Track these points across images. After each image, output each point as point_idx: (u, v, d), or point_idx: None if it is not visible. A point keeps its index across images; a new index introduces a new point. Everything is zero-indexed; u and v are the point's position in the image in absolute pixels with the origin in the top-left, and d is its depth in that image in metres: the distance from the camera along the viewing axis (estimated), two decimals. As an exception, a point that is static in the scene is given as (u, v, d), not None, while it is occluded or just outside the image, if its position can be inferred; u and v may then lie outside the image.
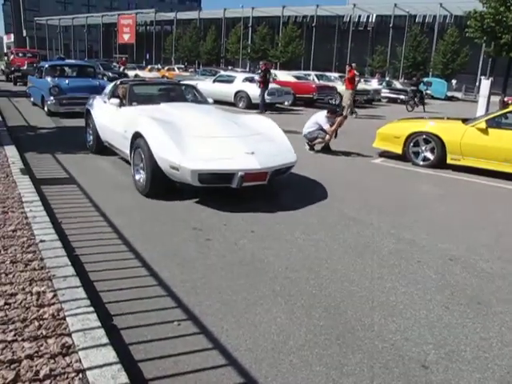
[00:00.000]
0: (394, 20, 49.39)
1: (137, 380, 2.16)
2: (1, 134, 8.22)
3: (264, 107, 15.43)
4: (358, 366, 2.41)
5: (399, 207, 5.41)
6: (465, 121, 7.78)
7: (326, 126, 8.36)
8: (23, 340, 2.30)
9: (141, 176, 5.28)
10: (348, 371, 2.37)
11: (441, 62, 39.97)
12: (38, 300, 2.67)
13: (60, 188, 5.32)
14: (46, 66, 13.52)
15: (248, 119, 6.29)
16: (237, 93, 17.06)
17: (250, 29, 55.89)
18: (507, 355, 2.56)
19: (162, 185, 5.12)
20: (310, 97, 18.86)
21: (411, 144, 8.00)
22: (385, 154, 8.60)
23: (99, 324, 2.45)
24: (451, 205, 5.67)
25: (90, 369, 2.10)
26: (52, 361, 2.15)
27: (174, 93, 7.60)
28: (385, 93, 26.28)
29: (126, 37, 64.72)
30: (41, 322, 2.45)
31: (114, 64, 35.71)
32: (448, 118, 9.14)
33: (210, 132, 5.27)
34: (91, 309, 2.59)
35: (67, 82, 12.24)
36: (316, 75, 23.19)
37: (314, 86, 19.42)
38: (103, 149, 7.11)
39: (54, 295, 2.72)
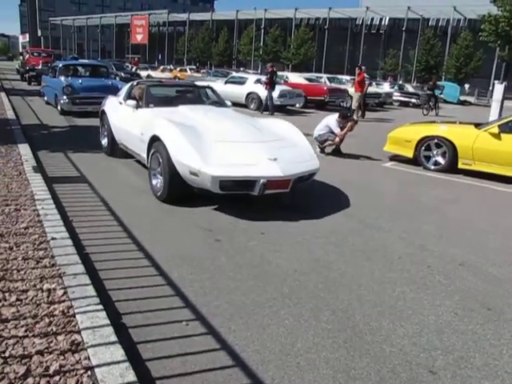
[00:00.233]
0: (407, 23, 49.10)
1: (144, 379, 2.18)
2: (15, 133, 8.33)
3: (274, 109, 15.47)
4: (366, 369, 2.41)
5: (409, 211, 5.38)
6: (477, 125, 7.72)
7: (337, 130, 8.35)
8: (34, 336, 2.33)
9: (158, 181, 5.13)
10: (355, 375, 2.36)
11: (454, 66, 39.68)
12: (48, 297, 2.70)
13: (72, 186, 5.37)
14: (60, 65, 13.67)
15: (268, 123, 6.10)
16: (248, 94, 17.10)
17: (263, 30, 55.92)
18: (517, 363, 2.54)
19: (180, 190, 4.95)
20: (321, 99, 18.83)
21: (422, 148, 7.95)
22: (395, 158, 8.56)
23: (108, 322, 2.47)
24: (462, 210, 5.63)
25: (98, 366, 2.12)
26: (62, 357, 2.18)
27: (192, 95, 7.47)
28: (396, 96, 26.17)
29: (139, 37, 65.14)
30: (51, 319, 2.48)
31: (127, 64, 35.94)
32: (460, 123, 9.08)
33: (231, 137, 5.10)
34: (100, 307, 2.61)
35: (80, 81, 12.37)
36: (328, 78, 23.18)
37: (325, 88, 19.38)
38: (118, 151, 6.98)
39: (65, 292, 2.75)
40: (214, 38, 58.82)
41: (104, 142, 7.44)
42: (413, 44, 45.06)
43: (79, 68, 15.05)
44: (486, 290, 3.40)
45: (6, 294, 2.70)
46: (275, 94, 15.90)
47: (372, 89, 23.11)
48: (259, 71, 43.40)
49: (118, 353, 2.22)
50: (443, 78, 40.36)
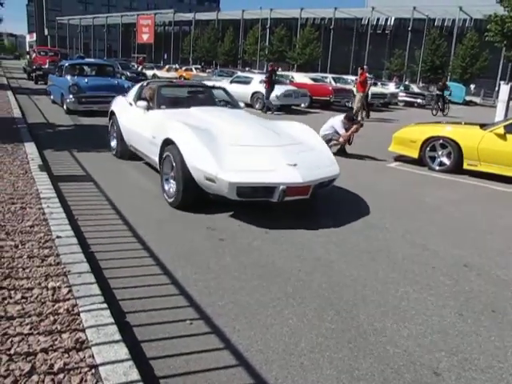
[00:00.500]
0: (413, 23, 48.95)
1: (148, 377, 2.19)
2: (21, 131, 8.37)
3: (273, 108, 15.60)
4: (369, 370, 2.41)
5: (414, 212, 5.37)
6: (482, 126, 7.69)
7: (342, 131, 8.35)
8: (39, 334, 2.34)
9: (171, 186, 4.92)
10: (359, 375, 2.36)
11: (459, 66, 39.54)
12: (53, 295, 2.71)
13: (77, 185, 5.39)
14: (66, 64, 13.74)
15: (284, 126, 5.88)
16: (253, 94, 17.11)
17: (268, 30, 55.93)
18: (521, 365, 2.53)
19: (195, 196, 4.75)
20: (326, 99, 18.83)
21: (427, 148, 7.93)
22: (400, 158, 8.53)
23: (112, 320, 2.48)
24: (467, 210, 5.60)
25: (102, 364, 2.13)
26: (66, 355, 2.19)
27: (204, 95, 7.28)
28: (402, 96, 26.11)
29: (145, 37, 65.28)
30: (56, 317, 2.49)
31: (133, 63, 36.04)
32: (465, 123, 9.04)
33: (247, 140, 4.91)
34: (105, 305, 2.63)
35: (86, 80, 12.41)
36: (333, 78, 23.14)
37: (330, 88, 19.37)
38: (128, 153, 6.78)
39: (69, 291, 2.76)
40: (220, 37, 58.88)
41: (113, 143, 7.24)
42: (418, 44, 44.92)
43: (85, 67, 15.08)
44: (490, 292, 3.38)
45: (12, 292, 2.72)
46: (274, 93, 16.00)
47: (377, 89, 23.10)
48: (265, 71, 43.31)
49: (122, 351, 2.23)
50: (449, 78, 40.22)
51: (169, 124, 5.13)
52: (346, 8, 54.08)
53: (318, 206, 5.30)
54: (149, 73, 31.81)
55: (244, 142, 4.85)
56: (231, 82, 18.30)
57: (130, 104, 6.72)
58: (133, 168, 6.56)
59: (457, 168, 7.58)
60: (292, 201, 4.56)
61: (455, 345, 2.68)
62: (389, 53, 49.46)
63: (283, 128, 5.70)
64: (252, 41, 54.70)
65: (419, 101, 26.08)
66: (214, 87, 7.97)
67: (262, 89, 16.78)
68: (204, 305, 2.92)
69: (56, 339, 2.30)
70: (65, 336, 2.33)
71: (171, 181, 4.92)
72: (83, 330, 2.39)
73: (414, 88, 28.96)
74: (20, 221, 3.86)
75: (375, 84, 26.07)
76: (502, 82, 18.23)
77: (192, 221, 4.51)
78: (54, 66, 16.55)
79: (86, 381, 2.03)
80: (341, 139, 8.38)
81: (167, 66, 38.85)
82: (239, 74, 21.59)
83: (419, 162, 8.07)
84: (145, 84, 7.03)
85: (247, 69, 40.25)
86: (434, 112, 19.95)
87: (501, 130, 7.17)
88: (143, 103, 6.07)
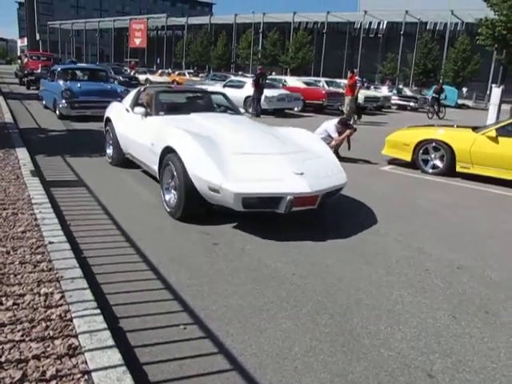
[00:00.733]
0: (405, 27, 49.28)
1: (142, 383, 2.17)
2: (13, 136, 8.32)
3: (259, 111, 15.81)
4: (363, 373, 2.40)
5: (407, 215, 5.39)
6: (475, 129, 7.74)
7: (335, 135, 8.37)
8: (31, 340, 2.32)
9: (171, 196, 4.73)
10: (353, 379, 2.36)
11: (451, 70, 39.82)
12: (45, 301, 2.69)
13: (69, 190, 5.37)
14: (59, 69, 13.68)
15: (287, 132, 5.67)
16: (247, 98, 17.13)
17: (261, 34, 56.09)
18: (514, 366, 2.54)
19: (197, 207, 4.55)
20: (319, 103, 18.91)
21: (420, 151, 7.97)
22: (394, 162, 8.57)
23: (105, 326, 2.47)
24: (460, 213, 5.63)
25: (95, 370, 2.11)
26: (58, 361, 2.17)
27: (203, 101, 7.06)
28: (395, 100, 26.27)
29: (138, 41, 65.25)
30: (48, 323, 2.47)
31: (125, 68, 36.00)
32: (458, 126, 9.10)
33: (251, 148, 4.72)
34: (98, 311, 2.61)
35: (79, 85, 12.33)
36: (326, 81, 23.23)
37: (323, 92, 19.46)
38: (125, 161, 6.59)
39: (62, 296, 2.74)
40: (213, 41, 58.95)
41: (109, 151, 7.02)
42: (411, 48, 45.22)
43: (78, 72, 15.02)
44: (483, 294, 3.40)
45: (3, 299, 2.69)
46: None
47: (370, 92, 23.24)
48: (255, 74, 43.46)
49: (116, 357, 2.22)
50: (441, 81, 40.50)
51: (169, 131, 4.93)
52: (338, 12, 54.33)
53: (312, 210, 5.30)
54: (141, 77, 31.76)
55: (248, 150, 4.66)
56: (224, 86, 18.32)
57: (127, 110, 6.52)
58: (125, 173, 6.53)
59: (449, 171, 7.62)
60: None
61: (449, 347, 2.68)
62: (381, 56, 49.72)
63: (287, 134, 5.51)
64: (245, 45, 54.81)
65: (412, 104, 26.26)
66: (213, 92, 7.80)
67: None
68: (197, 309, 2.91)
69: (48, 345, 2.28)
70: (57, 342, 2.31)
71: (172, 191, 4.72)
72: (76, 336, 2.37)
73: (407, 91, 29.18)
74: (12, 226, 3.83)
75: (368, 87, 26.28)
76: (493, 85, 18.38)
77: (185, 225, 4.50)
78: (47, 71, 16.43)
79: (78, 387, 2.02)
80: (333, 143, 8.39)
81: (160, 71, 38.87)
82: (232, 78, 21.63)
83: (412, 165, 8.11)
84: (142, 89, 6.86)
85: (240, 73, 40.30)
86: (430, 115, 20.10)
87: (492, 133, 7.22)
88: (141, 109, 5.87)
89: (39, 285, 2.88)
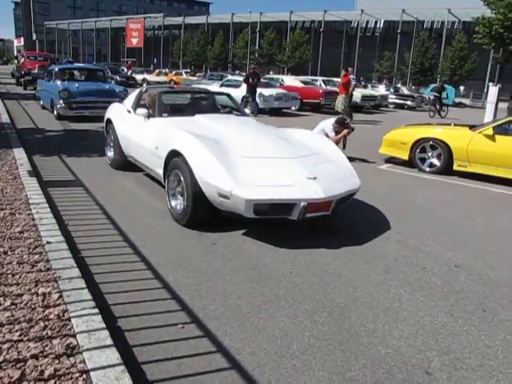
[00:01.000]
0: (402, 26, 49.37)
1: (140, 382, 2.18)
2: (10, 137, 8.31)
3: (257, 110, 15.79)
4: (361, 371, 2.41)
5: (405, 213, 5.40)
6: (472, 127, 7.76)
7: (331, 134, 8.34)
8: (29, 340, 2.32)
9: (177, 202, 4.54)
10: (351, 377, 2.37)
11: (449, 68, 39.90)
12: (43, 301, 2.69)
13: (67, 190, 5.36)
14: (56, 69, 13.59)
15: (296, 134, 5.44)
16: (244, 97, 17.11)
17: (258, 34, 56.11)
18: (512, 363, 2.55)
19: (206, 213, 4.35)
20: (316, 102, 18.91)
21: (418, 150, 7.98)
22: (391, 160, 8.59)
23: (104, 325, 2.47)
24: (457, 211, 5.65)
25: (93, 370, 2.11)
26: (57, 361, 2.17)
27: (207, 102, 6.84)
28: (392, 98, 26.30)
29: (135, 41, 65.24)
30: (46, 323, 2.47)
31: (122, 68, 35.96)
32: (455, 125, 9.12)
33: (262, 151, 4.52)
34: (96, 310, 2.61)
35: (77, 85, 12.20)
36: (323, 80, 23.24)
37: (320, 91, 19.46)
38: (127, 165, 6.36)
39: (60, 296, 2.74)
40: (210, 41, 58.93)
41: (110, 153, 6.80)
42: (408, 46, 45.29)
43: (76, 72, 14.93)
44: (481, 292, 3.41)
45: (1, 299, 2.69)
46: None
47: (368, 91, 23.25)
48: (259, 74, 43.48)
49: (114, 356, 2.22)
50: (438, 80, 40.59)
51: (174, 134, 4.72)
52: (335, 11, 54.42)
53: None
54: (138, 77, 31.80)
55: (258, 153, 4.46)
56: (221, 85, 18.31)
57: (129, 111, 6.30)
58: (123, 172, 6.52)
59: (447, 169, 7.64)
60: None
61: (446, 344, 2.69)
62: (378, 55, 49.81)
63: (297, 137, 5.31)
64: (242, 44, 54.80)
65: (409, 103, 26.31)
66: (217, 93, 7.59)
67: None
68: (196, 309, 2.91)
69: (46, 345, 2.28)
70: (55, 342, 2.31)
71: (178, 196, 4.54)
72: (74, 336, 2.37)
73: (404, 90, 29.20)
74: (9, 227, 3.83)
75: (365, 86, 26.30)
76: (490, 84, 18.46)
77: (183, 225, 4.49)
78: (44, 71, 16.35)
79: (77, 387, 2.02)
80: (329, 141, 8.39)
81: (157, 71, 38.87)
82: (229, 77, 21.61)
83: (409, 163, 8.12)
84: (144, 90, 6.68)
85: (237, 72, 40.31)
86: (432, 114, 20.14)
87: (489, 131, 7.24)
88: (143, 111, 5.66)
89: (37, 285, 2.88)
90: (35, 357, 2.19)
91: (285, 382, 2.29)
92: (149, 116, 5.64)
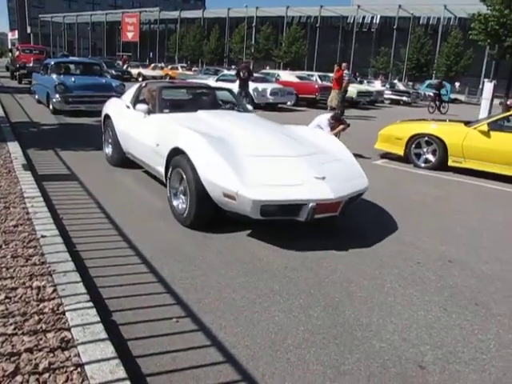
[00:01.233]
0: (398, 21, 49.29)
1: (135, 375, 2.18)
2: (4, 130, 8.26)
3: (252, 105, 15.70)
4: (355, 365, 2.43)
5: (400, 209, 5.41)
6: (467, 123, 7.78)
7: (327, 130, 8.35)
8: (23, 334, 2.32)
9: (180, 202, 4.40)
10: (345, 370, 2.38)
11: (444, 64, 39.96)
12: (38, 294, 2.69)
13: (61, 184, 5.34)
14: (52, 63, 13.44)
15: (302, 131, 5.32)
16: (238, 92, 17.08)
17: (254, 28, 55.91)
18: (504, 357, 2.57)
19: (210, 214, 4.22)
20: (312, 97, 18.90)
21: (413, 146, 8.01)
22: (386, 156, 8.61)
23: (98, 319, 2.47)
24: (452, 207, 5.67)
25: (88, 363, 2.11)
26: (51, 354, 2.17)
27: (209, 98, 6.65)
28: (387, 94, 26.35)
29: (130, 35, 64.85)
30: (41, 317, 2.47)
31: (118, 62, 35.77)
32: (450, 120, 9.14)
33: (267, 149, 4.36)
34: (91, 304, 2.61)
35: (73, 79, 12.04)
36: (319, 76, 23.21)
37: (316, 86, 19.45)
38: (126, 162, 6.20)
39: (54, 290, 2.74)
40: (206, 35, 58.64)
41: (108, 150, 6.61)
42: (404, 42, 45.29)
43: (72, 66, 14.72)
44: (474, 286, 3.43)
45: (-5, 292, 2.69)
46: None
47: (363, 87, 23.26)
48: (251, 69, 43.37)
49: (108, 350, 2.22)
50: (434, 76, 40.62)
51: (176, 131, 4.57)
52: (331, 6, 54.29)
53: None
54: (134, 71, 31.63)
55: (263, 152, 4.30)
56: (217, 80, 18.27)
57: (128, 107, 6.13)
58: (119, 168, 6.50)
59: (442, 165, 7.67)
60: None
61: (440, 338, 2.71)
62: (374, 51, 49.73)
63: (303, 134, 5.16)
64: (238, 39, 54.59)
65: (405, 98, 26.37)
66: (219, 88, 7.42)
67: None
68: (190, 302, 2.91)
69: (41, 339, 2.28)
70: (50, 335, 2.31)
71: (181, 196, 4.39)
72: (69, 329, 2.37)
73: (400, 86, 29.26)
74: (3, 220, 3.82)
75: (361, 82, 26.31)
76: (485, 80, 18.51)
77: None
78: (39, 65, 16.18)
79: (71, 380, 2.02)
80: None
81: (153, 65, 38.70)
82: (225, 72, 21.57)
83: (405, 159, 8.14)
84: (143, 85, 6.46)
85: (233, 67, 40.21)
86: (431, 110, 20.31)
87: (484, 127, 7.27)
88: (143, 106, 5.49)
89: (31, 278, 2.87)
90: (30, 350, 2.19)
91: (279, 376, 2.30)
92: (149, 112, 5.47)
